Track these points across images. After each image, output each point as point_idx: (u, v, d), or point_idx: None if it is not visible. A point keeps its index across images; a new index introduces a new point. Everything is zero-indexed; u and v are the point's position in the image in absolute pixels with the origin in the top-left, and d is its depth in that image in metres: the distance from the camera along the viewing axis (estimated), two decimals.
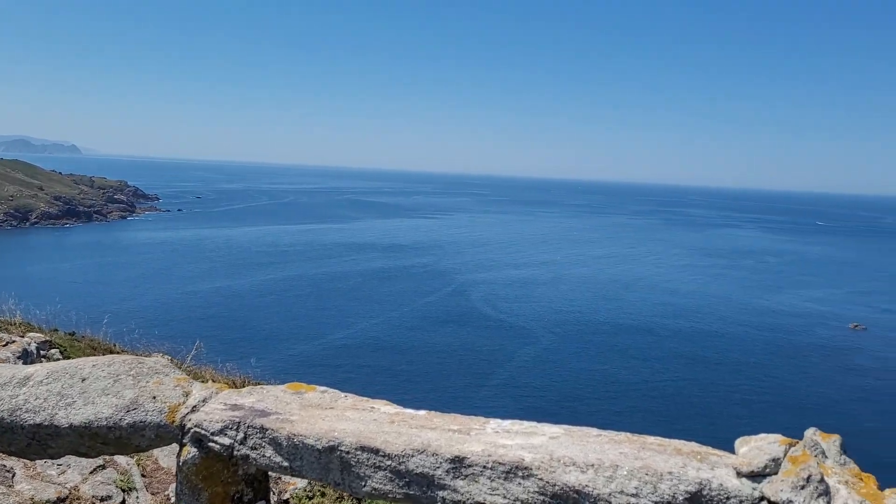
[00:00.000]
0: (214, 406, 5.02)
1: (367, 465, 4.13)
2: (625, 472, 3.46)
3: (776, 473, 3.32)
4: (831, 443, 3.53)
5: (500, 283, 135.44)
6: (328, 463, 4.30)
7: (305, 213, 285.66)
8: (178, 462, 5.04)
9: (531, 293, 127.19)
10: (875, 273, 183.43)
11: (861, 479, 3.40)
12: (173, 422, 5.05)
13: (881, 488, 3.47)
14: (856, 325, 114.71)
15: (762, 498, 3.27)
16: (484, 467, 3.74)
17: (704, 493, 3.35)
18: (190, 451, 4.95)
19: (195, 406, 5.09)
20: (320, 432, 4.34)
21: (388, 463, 4.04)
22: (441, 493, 3.90)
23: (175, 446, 5.14)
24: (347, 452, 4.19)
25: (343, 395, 5.08)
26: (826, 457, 3.46)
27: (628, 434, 3.96)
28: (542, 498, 3.55)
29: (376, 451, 4.10)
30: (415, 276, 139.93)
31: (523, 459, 3.66)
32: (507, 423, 4.26)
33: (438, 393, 72.16)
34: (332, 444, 4.26)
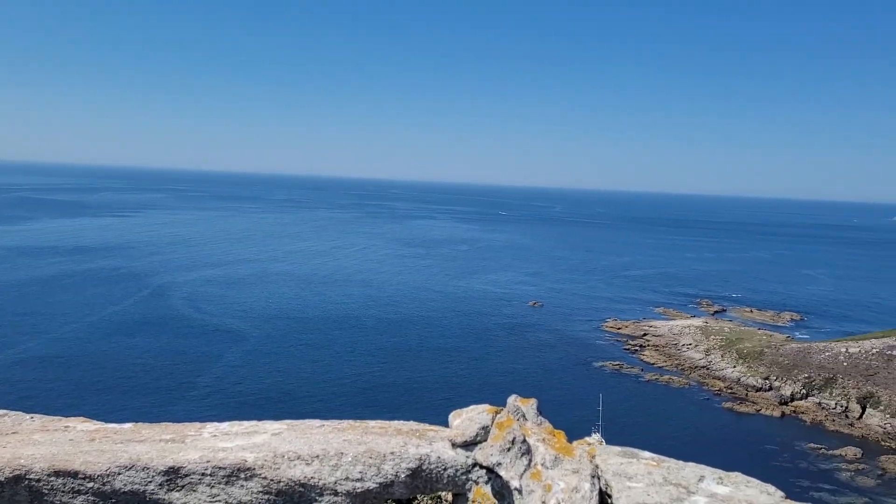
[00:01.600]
0: None
1: (63, 492, 3.63)
2: (349, 459, 3.50)
3: (486, 440, 3.63)
4: (529, 406, 3.95)
5: (203, 283, 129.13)
6: (14, 495, 3.70)
7: None
8: None
9: (237, 292, 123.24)
10: (546, 256, 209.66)
11: (554, 436, 3.86)
12: None
13: (570, 441, 3.98)
14: (535, 303, 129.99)
15: (475, 464, 3.54)
16: (203, 474, 3.51)
17: (424, 467, 3.53)
18: None
19: None
20: (1, 462, 3.72)
21: (91, 485, 3.60)
22: None
23: None
24: (38, 480, 3.64)
25: (28, 416, 4.41)
26: (526, 419, 3.87)
27: (351, 421, 4.01)
28: (267, 497, 3.44)
29: (75, 474, 3.62)
30: (106, 280, 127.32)
31: (245, 460, 3.51)
32: (225, 426, 4.05)
33: (146, 403, 66.76)
34: (17, 472, 3.67)
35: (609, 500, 3.32)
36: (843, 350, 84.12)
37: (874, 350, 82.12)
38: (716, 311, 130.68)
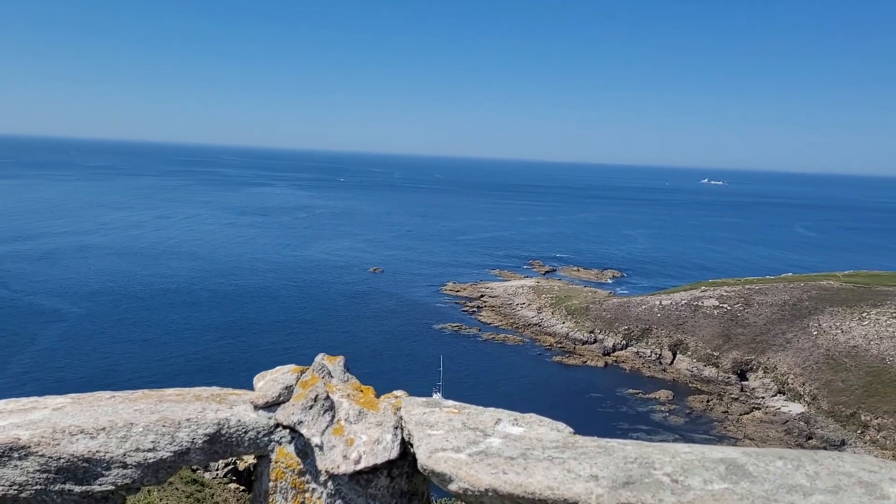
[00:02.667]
0: None
1: None
2: (140, 429, 3.29)
3: (289, 400, 3.55)
4: (337, 364, 3.91)
5: (9, 259, 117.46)
6: None
7: None
8: None
9: (50, 267, 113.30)
10: (387, 222, 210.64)
11: (361, 391, 3.86)
12: None
13: (378, 395, 4.00)
14: (375, 269, 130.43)
15: (277, 425, 3.46)
16: None
17: (223, 432, 3.40)
18: None
19: None
20: None
21: None
22: None
23: None
24: None
25: None
26: (332, 376, 3.83)
27: (145, 390, 3.77)
28: (46, 475, 3.17)
29: None
30: None
31: (19, 438, 3.20)
32: (0, 404, 3.68)
33: None
34: None
35: (411, 449, 3.38)
36: (657, 303, 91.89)
37: (683, 302, 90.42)
38: (547, 271, 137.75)
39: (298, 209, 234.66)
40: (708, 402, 72.59)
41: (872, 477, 2.78)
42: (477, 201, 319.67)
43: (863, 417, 63.10)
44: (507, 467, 3.02)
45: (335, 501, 3.32)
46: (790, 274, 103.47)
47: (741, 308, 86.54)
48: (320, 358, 3.99)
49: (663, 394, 74.06)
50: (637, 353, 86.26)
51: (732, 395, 74.83)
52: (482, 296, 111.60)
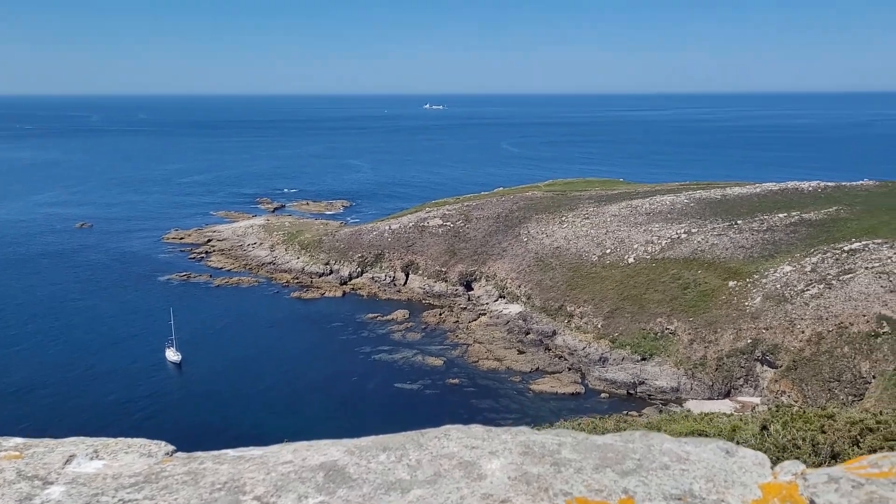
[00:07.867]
0: None
1: None
2: None
3: None
4: None
5: None
6: None
7: None
8: None
9: None
10: (91, 171, 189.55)
11: None
12: None
13: None
14: (83, 224, 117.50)
15: None
16: None
17: None
18: None
19: None
20: None
21: None
22: None
23: None
24: None
25: None
26: None
27: None
28: None
29: None
30: None
31: None
32: None
33: None
34: None
35: None
36: (387, 228, 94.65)
37: (410, 224, 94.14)
38: (276, 208, 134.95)
39: None
40: (440, 314, 77.34)
41: (473, 454, 2.61)
42: (192, 141, 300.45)
43: (568, 308, 71.65)
44: None
45: None
46: (501, 188, 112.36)
47: (462, 224, 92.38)
48: None
49: (400, 313, 77.31)
50: (372, 278, 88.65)
51: (461, 306, 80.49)
52: (209, 240, 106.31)
